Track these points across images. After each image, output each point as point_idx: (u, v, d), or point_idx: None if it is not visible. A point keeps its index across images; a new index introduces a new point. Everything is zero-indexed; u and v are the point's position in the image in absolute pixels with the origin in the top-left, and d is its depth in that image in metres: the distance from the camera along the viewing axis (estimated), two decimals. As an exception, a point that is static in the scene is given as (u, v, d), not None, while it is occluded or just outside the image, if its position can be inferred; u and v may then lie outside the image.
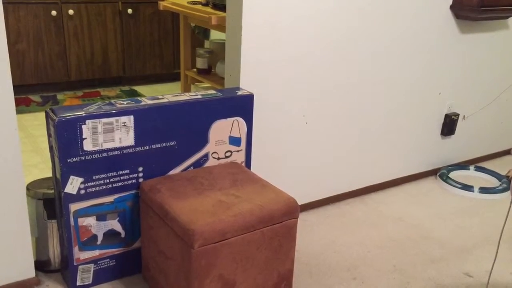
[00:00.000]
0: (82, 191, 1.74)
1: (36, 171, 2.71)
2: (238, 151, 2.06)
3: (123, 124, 1.74)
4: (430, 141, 2.90)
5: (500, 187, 2.83)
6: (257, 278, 1.73)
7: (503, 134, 3.28)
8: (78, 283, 1.85)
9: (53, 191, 1.84)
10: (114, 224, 1.86)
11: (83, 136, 1.67)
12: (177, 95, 1.91)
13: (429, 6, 2.54)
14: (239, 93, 2.01)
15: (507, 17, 2.81)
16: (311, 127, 2.37)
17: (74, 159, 1.69)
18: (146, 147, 1.82)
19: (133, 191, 1.85)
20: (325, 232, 2.34)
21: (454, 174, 2.97)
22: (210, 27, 3.12)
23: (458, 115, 2.90)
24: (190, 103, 1.87)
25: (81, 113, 1.66)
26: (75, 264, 1.82)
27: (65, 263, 1.86)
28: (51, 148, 1.74)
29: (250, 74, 2.09)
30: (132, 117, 1.75)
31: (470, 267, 2.14)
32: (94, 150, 1.72)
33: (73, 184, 1.71)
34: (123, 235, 1.89)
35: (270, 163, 2.29)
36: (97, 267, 1.87)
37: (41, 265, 1.95)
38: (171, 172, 1.90)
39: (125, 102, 1.79)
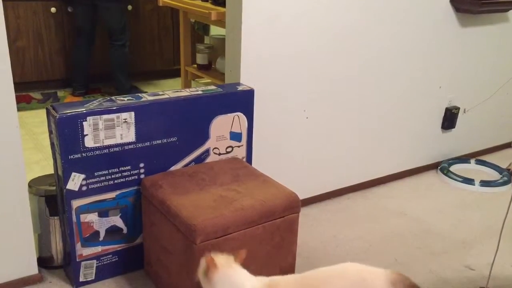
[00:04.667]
0: (84, 188, 1.75)
1: (38, 168, 2.71)
2: (239, 146, 2.07)
3: (124, 121, 1.74)
4: (431, 135, 2.90)
5: (501, 180, 2.83)
6: (259, 272, 1.74)
7: (503, 127, 3.28)
8: (81, 279, 1.86)
9: (55, 187, 1.84)
10: (116, 220, 1.86)
11: (84, 133, 1.68)
12: (177, 91, 1.91)
13: (429, 0, 2.53)
14: (240, 88, 2.01)
15: (507, 10, 2.80)
16: (311, 122, 2.37)
17: (76, 156, 1.69)
18: (147, 143, 1.82)
19: (135, 187, 1.85)
20: (327, 227, 2.35)
21: (455, 168, 2.97)
22: (210, 22, 3.11)
23: (458, 108, 2.90)
24: (190, 99, 1.87)
25: (82, 109, 1.67)
26: (77, 260, 1.83)
27: (68, 260, 1.86)
28: (52, 145, 1.74)
29: (251, 70, 2.09)
30: (133, 113, 1.75)
31: (471, 260, 2.14)
32: (96, 147, 1.72)
33: (75, 181, 1.72)
34: (125, 231, 1.90)
35: (271, 158, 2.29)
36: (100, 263, 1.88)
37: (44, 262, 1.96)
38: (173, 168, 1.91)
39: (125, 99, 1.80)
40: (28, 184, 1.87)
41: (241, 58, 2.05)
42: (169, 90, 1.92)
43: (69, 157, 1.68)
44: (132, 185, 1.85)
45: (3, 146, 1.67)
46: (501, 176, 2.91)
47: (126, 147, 1.78)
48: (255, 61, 2.10)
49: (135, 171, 1.83)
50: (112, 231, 1.87)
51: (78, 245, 1.81)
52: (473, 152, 3.18)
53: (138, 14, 4.26)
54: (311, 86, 2.30)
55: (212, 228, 1.56)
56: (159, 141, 1.84)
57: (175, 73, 4.53)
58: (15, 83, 1.66)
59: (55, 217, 1.89)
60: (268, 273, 1.76)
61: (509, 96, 3.17)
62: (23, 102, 3.78)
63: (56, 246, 1.94)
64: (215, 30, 4.03)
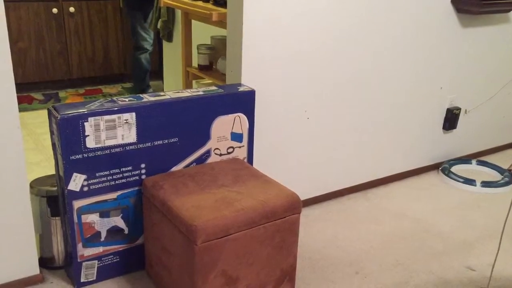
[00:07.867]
0: (85, 188, 1.75)
1: (39, 168, 2.72)
2: (240, 147, 2.07)
3: (125, 121, 1.75)
4: (432, 136, 2.90)
5: (502, 181, 2.83)
6: (260, 273, 1.74)
7: (505, 128, 3.27)
8: (82, 280, 1.86)
9: (56, 188, 1.85)
10: (118, 221, 1.87)
11: (86, 133, 1.68)
12: (178, 92, 1.91)
13: (430, 0, 2.53)
14: (241, 89, 2.01)
15: (508, 11, 2.80)
16: (312, 122, 2.37)
17: (77, 156, 1.69)
18: (149, 144, 1.82)
19: (136, 188, 1.85)
20: (328, 227, 2.35)
21: (456, 168, 2.97)
22: (210, 23, 3.12)
23: (460, 109, 2.90)
24: (191, 100, 1.87)
25: (83, 110, 1.67)
26: (79, 260, 1.83)
27: (69, 260, 1.87)
28: (53, 145, 1.75)
29: (252, 70, 2.09)
30: (134, 114, 1.76)
31: (472, 260, 2.14)
32: (97, 147, 1.72)
33: (76, 181, 1.72)
34: (126, 231, 1.90)
35: (272, 159, 2.29)
36: (101, 264, 1.88)
37: (45, 262, 1.96)
38: (174, 169, 1.91)
39: (127, 99, 1.80)
40: (30, 184, 1.87)
41: (242, 58, 2.06)
42: (170, 90, 1.92)
43: (71, 157, 1.68)
44: (133, 185, 1.85)
45: (4, 147, 1.67)
46: (502, 176, 2.91)
47: (127, 148, 1.78)
48: (256, 62, 2.10)
49: (136, 172, 1.84)
50: (113, 231, 1.87)
51: (80, 246, 1.81)
52: (474, 153, 3.18)
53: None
54: (312, 86, 2.30)
55: (213, 228, 1.56)
56: (160, 142, 1.85)
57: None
58: (16, 84, 1.67)
59: (57, 218, 1.90)
60: (268, 274, 1.77)
61: (511, 97, 3.17)
62: (25, 102, 3.79)
63: (58, 247, 1.94)
64: (215, 31, 4.03)
